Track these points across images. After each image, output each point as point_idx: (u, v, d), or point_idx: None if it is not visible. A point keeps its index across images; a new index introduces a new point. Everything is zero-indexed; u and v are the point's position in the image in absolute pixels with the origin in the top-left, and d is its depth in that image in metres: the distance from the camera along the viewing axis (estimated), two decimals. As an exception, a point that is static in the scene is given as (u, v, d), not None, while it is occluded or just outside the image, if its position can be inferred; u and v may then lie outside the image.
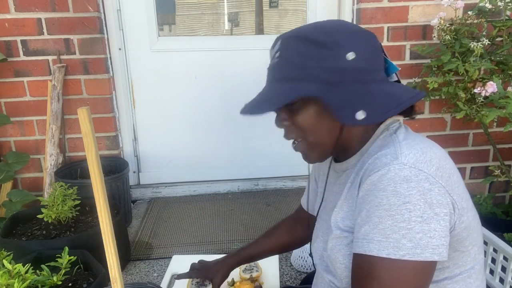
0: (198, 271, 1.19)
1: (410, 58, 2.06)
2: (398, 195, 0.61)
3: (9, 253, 1.24)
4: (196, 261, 1.25)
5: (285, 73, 0.72)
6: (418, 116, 2.14)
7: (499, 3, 1.72)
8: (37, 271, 1.20)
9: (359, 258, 0.66)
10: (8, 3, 1.90)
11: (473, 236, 0.71)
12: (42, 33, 1.96)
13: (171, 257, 1.68)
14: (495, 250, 1.46)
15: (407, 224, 0.60)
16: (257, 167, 2.44)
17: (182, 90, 2.29)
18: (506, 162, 2.09)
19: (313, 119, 0.73)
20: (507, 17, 1.80)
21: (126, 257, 1.72)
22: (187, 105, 2.31)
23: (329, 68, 0.69)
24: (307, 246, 1.61)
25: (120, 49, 2.16)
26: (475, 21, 1.83)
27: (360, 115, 0.70)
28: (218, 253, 1.74)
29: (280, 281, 1.54)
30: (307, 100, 0.72)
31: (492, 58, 1.77)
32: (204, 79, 2.28)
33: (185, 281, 1.34)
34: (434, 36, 2.00)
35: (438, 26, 1.82)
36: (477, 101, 1.73)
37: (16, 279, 1.06)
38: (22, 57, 1.99)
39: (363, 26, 1.26)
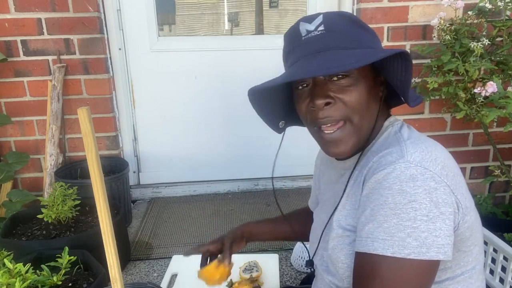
0: (210, 243, 1.15)
1: (410, 58, 2.06)
2: (404, 194, 0.61)
3: (9, 253, 1.24)
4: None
5: (343, 44, 0.70)
6: (418, 116, 2.14)
7: (499, 3, 1.72)
8: (37, 271, 1.20)
9: (362, 257, 0.66)
10: (8, 3, 1.90)
11: (475, 236, 0.71)
12: (42, 33, 1.96)
13: (171, 257, 1.68)
14: (495, 250, 1.46)
15: (413, 223, 0.60)
16: (257, 167, 2.44)
17: (182, 90, 2.29)
18: (506, 162, 2.09)
19: (364, 96, 0.71)
20: (507, 17, 1.80)
21: (126, 257, 1.72)
22: (187, 105, 2.31)
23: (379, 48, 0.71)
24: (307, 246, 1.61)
25: (120, 49, 2.16)
26: (475, 21, 1.83)
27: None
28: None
29: (280, 281, 1.54)
30: (360, 77, 0.71)
31: (492, 58, 1.77)
32: (204, 79, 2.28)
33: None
34: (434, 36, 2.00)
35: (438, 26, 1.82)
36: (477, 101, 1.73)
37: (17, 278, 1.06)
38: (22, 57, 1.99)
39: (363, 26, 1.26)
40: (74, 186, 1.61)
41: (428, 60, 1.92)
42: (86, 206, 1.71)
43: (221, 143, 2.40)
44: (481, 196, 2.07)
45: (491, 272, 1.49)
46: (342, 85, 0.70)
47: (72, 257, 1.26)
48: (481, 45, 1.66)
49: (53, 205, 1.52)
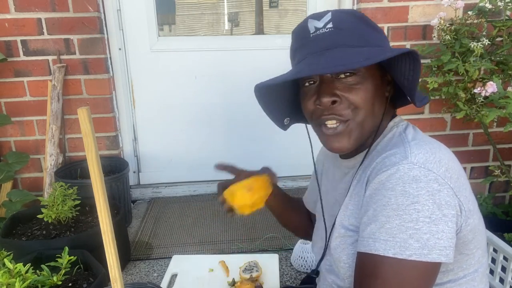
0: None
1: (410, 58, 2.06)
2: (406, 195, 0.61)
3: (9, 253, 1.24)
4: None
5: (351, 42, 0.70)
6: (418, 116, 2.14)
7: (499, 3, 1.72)
8: (37, 271, 1.20)
9: (363, 257, 0.65)
10: (8, 3, 1.90)
11: (478, 239, 0.70)
12: (42, 33, 1.96)
13: (171, 257, 1.68)
14: (495, 250, 1.46)
15: (415, 224, 0.60)
16: (257, 167, 2.42)
17: (182, 90, 2.29)
18: (506, 162, 2.09)
19: (371, 95, 0.71)
20: (507, 17, 1.80)
21: (126, 257, 1.72)
22: (187, 105, 2.31)
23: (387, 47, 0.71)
24: (307, 246, 1.62)
25: (120, 49, 2.16)
26: (475, 21, 1.83)
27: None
28: (218, 253, 1.74)
29: (280, 281, 1.54)
30: (367, 75, 0.71)
31: (492, 58, 1.77)
32: (204, 79, 2.28)
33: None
34: (434, 36, 2.00)
35: (438, 26, 1.82)
36: (477, 101, 1.73)
37: (17, 279, 1.06)
38: (22, 57, 1.99)
39: (363, 26, 1.26)
40: (74, 186, 1.61)
41: (428, 60, 1.92)
42: (86, 206, 1.71)
43: (221, 143, 2.40)
44: (481, 196, 2.07)
45: (491, 272, 1.49)
46: (349, 83, 0.70)
47: (72, 257, 1.26)
48: (481, 45, 1.66)
49: (53, 205, 1.52)
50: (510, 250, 1.38)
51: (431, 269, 0.62)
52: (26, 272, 1.11)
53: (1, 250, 1.27)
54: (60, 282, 1.20)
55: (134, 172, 2.38)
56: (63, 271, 1.22)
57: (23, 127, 2.09)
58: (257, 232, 1.94)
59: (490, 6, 1.79)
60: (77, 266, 1.34)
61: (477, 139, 2.19)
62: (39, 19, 1.94)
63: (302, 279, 1.50)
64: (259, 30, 2.33)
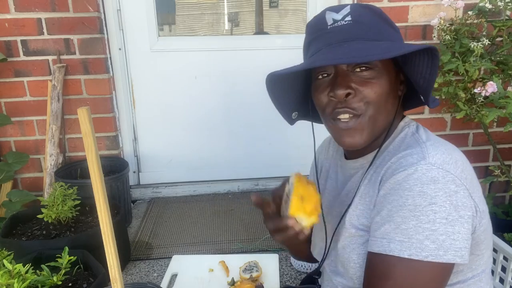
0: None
1: (410, 58, 2.06)
2: (424, 196, 0.61)
3: (9, 253, 1.24)
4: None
5: (370, 36, 0.69)
6: (418, 116, 2.14)
7: (499, 3, 1.72)
8: (37, 271, 1.20)
9: (376, 257, 0.65)
10: (8, 3, 1.90)
11: (488, 240, 0.70)
12: (42, 33, 1.96)
13: (171, 257, 1.68)
14: (495, 250, 1.46)
15: (432, 225, 0.60)
16: (257, 167, 2.44)
17: (182, 90, 2.29)
18: (506, 162, 2.09)
19: (385, 91, 0.70)
20: (507, 17, 1.80)
21: (126, 257, 1.72)
22: (187, 105, 2.31)
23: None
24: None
25: (120, 49, 2.16)
26: (475, 21, 1.83)
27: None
28: (218, 253, 1.74)
29: (280, 281, 1.54)
30: (383, 70, 0.70)
31: (492, 58, 1.77)
32: (204, 79, 2.28)
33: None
34: (434, 36, 2.00)
35: (438, 26, 1.82)
36: (477, 101, 1.73)
37: (16, 279, 1.06)
38: (22, 57, 1.99)
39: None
40: (74, 186, 1.61)
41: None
42: (86, 206, 1.71)
43: (221, 143, 2.40)
44: (481, 196, 2.07)
45: (491, 272, 1.49)
46: (364, 77, 0.69)
47: (72, 257, 1.26)
48: (481, 45, 1.66)
49: (53, 205, 1.52)
50: (510, 250, 1.38)
51: (445, 270, 0.62)
52: (26, 272, 1.11)
53: (1, 250, 1.27)
54: (60, 282, 1.20)
55: (134, 172, 2.38)
56: (63, 271, 1.22)
57: (23, 127, 2.09)
58: (257, 232, 1.94)
59: (490, 6, 1.79)
60: (77, 266, 1.34)
61: (477, 139, 2.18)
62: (39, 19, 1.94)
63: (302, 279, 1.50)
64: (259, 30, 2.33)
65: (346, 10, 0.70)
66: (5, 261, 1.11)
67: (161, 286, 1.39)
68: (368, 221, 0.71)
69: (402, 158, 0.67)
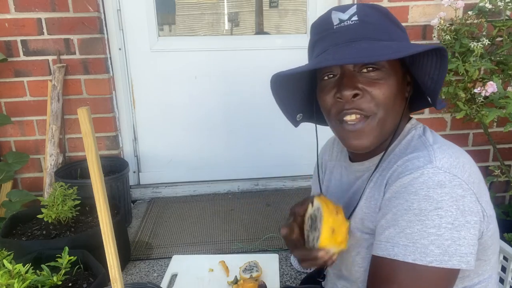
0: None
1: (410, 58, 2.06)
2: (430, 200, 0.60)
3: (9, 253, 1.24)
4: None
5: (377, 36, 0.68)
6: (418, 116, 2.14)
7: (499, 3, 1.72)
8: (37, 271, 1.20)
9: (380, 261, 0.64)
10: (8, 3, 1.90)
11: (495, 245, 0.70)
12: (42, 33, 1.96)
13: (171, 257, 1.68)
14: (495, 250, 1.46)
15: (437, 230, 0.59)
16: (257, 167, 2.44)
17: (182, 90, 2.29)
18: (506, 162, 2.09)
19: (393, 92, 0.69)
20: (507, 17, 1.80)
21: (126, 257, 1.72)
22: (187, 105, 2.31)
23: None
24: (307, 246, 1.61)
25: (120, 49, 2.16)
26: (475, 21, 1.83)
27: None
28: (218, 253, 1.74)
29: (280, 281, 1.54)
30: (390, 71, 0.69)
31: (492, 58, 1.77)
32: (204, 79, 2.28)
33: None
34: (434, 36, 2.00)
35: (438, 26, 1.82)
36: (477, 101, 1.73)
37: (16, 279, 1.06)
38: (22, 57, 1.99)
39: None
40: (74, 186, 1.61)
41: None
42: (86, 206, 1.71)
43: (221, 143, 2.40)
44: (481, 196, 2.06)
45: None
46: (371, 78, 0.68)
47: (72, 257, 1.26)
48: (481, 45, 1.66)
49: (53, 205, 1.52)
50: (510, 250, 1.38)
51: (450, 276, 0.61)
52: (26, 272, 1.11)
53: (1, 250, 1.27)
54: (60, 282, 1.20)
55: (134, 172, 2.38)
56: (63, 271, 1.22)
57: (23, 127, 2.09)
58: (257, 232, 1.94)
59: (490, 6, 1.79)
60: (77, 266, 1.34)
61: (477, 139, 2.18)
62: (39, 19, 1.94)
63: (302, 279, 1.50)
64: (259, 30, 2.33)
65: (353, 10, 0.69)
66: (5, 261, 1.11)
67: (161, 286, 1.39)
68: (373, 224, 0.70)
69: (409, 161, 0.65)
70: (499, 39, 1.81)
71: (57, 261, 1.25)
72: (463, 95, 1.77)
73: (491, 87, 1.55)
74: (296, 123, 0.87)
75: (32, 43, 1.97)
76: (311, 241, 0.71)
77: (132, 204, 2.27)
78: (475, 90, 1.61)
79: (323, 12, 0.74)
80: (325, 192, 0.91)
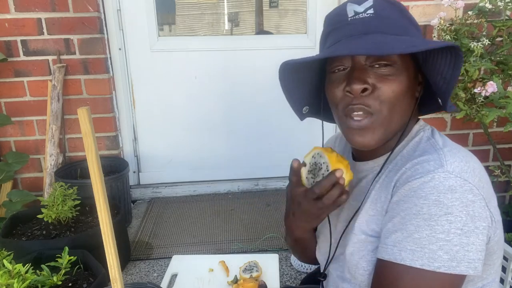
0: None
1: (410, 58, 2.06)
2: (440, 205, 0.59)
3: (9, 253, 1.24)
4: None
5: (392, 30, 0.66)
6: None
7: (499, 3, 1.72)
8: (37, 271, 1.20)
9: (385, 265, 0.63)
10: (8, 3, 1.90)
11: (501, 249, 0.69)
12: (42, 33, 1.96)
13: (171, 257, 1.68)
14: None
15: (446, 236, 0.58)
16: (257, 167, 2.44)
17: (182, 90, 2.29)
18: (506, 162, 2.09)
19: (403, 89, 0.67)
20: (507, 17, 1.80)
21: (126, 257, 1.72)
22: (187, 105, 2.31)
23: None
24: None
25: (120, 49, 2.16)
26: (475, 21, 1.82)
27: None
28: (218, 253, 1.74)
29: (280, 281, 1.54)
30: (402, 68, 0.67)
31: (492, 58, 1.76)
32: (204, 79, 2.28)
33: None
34: (434, 36, 1.99)
35: (438, 26, 1.82)
36: (477, 101, 1.73)
37: (16, 279, 1.06)
38: (22, 57, 1.99)
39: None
40: (74, 186, 1.61)
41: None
42: (86, 206, 1.71)
43: (221, 143, 2.40)
44: (481, 196, 2.06)
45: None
46: (383, 73, 0.66)
47: (72, 257, 1.26)
48: (481, 45, 1.66)
49: (53, 205, 1.52)
50: (510, 250, 1.38)
51: (457, 282, 0.60)
52: (26, 272, 1.11)
53: (1, 250, 1.27)
54: (60, 282, 1.20)
55: (134, 172, 2.38)
56: (63, 271, 1.22)
57: (23, 127, 2.09)
58: (257, 232, 1.94)
59: (490, 6, 1.79)
60: (77, 266, 1.34)
61: (477, 139, 2.18)
62: (39, 19, 1.94)
63: (302, 279, 1.50)
64: (259, 30, 2.33)
65: (369, 3, 0.68)
66: (5, 261, 1.11)
67: (161, 286, 1.39)
68: (378, 227, 0.69)
69: (418, 164, 0.64)
70: (499, 39, 1.81)
71: (57, 261, 1.25)
72: (463, 95, 1.77)
73: (491, 87, 1.55)
74: (302, 116, 0.85)
75: (32, 43, 1.97)
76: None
77: (132, 204, 2.27)
78: (475, 90, 1.61)
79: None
80: None
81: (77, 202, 1.57)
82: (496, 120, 2.05)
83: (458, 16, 1.81)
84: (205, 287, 1.47)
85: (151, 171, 2.41)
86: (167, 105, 2.31)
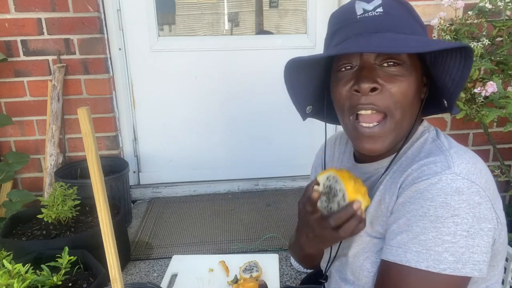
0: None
1: (410, 58, 2.06)
2: (447, 207, 0.58)
3: (9, 253, 1.24)
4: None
5: (401, 30, 0.66)
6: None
7: (499, 3, 1.72)
8: (37, 271, 1.20)
9: (390, 267, 0.63)
10: (8, 3, 1.90)
11: (504, 251, 0.69)
12: (42, 33, 1.96)
13: (171, 257, 1.68)
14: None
15: (452, 238, 0.58)
16: (257, 167, 2.44)
17: (182, 90, 2.29)
18: (506, 162, 2.09)
19: (412, 90, 0.66)
20: (507, 17, 1.80)
21: (126, 257, 1.72)
22: (187, 105, 2.31)
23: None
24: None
25: (120, 49, 2.16)
26: (475, 21, 1.82)
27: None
28: (218, 253, 1.74)
29: (280, 281, 1.54)
30: (411, 68, 0.66)
31: (492, 58, 1.76)
32: (204, 79, 2.28)
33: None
34: (434, 36, 1.99)
35: (438, 26, 1.82)
36: (477, 101, 1.73)
37: (16, 279, 1.06)
38: (22, 57, 1.99)
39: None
40: (74, 186, 1.61)
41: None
42: (86, 206, 1.71)
43: (221, 143, 2.40)
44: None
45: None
46: (392, 73, 0.65)
47: (72, 257, 1.26)
48: (481, 45, 1.66)
49: (53, 205, 1.52)
50: (510, 250, 1.38)
51: (462, 284, 0.60)
52: (26, 272, 1.11)
53: (1, 250, 1.27)
54: (60, 282, 1.20)
55: (134, 172, 2.38)
56: (63, 271, 1.22)
57: (23, 127, 2.09)
58: (257, 232, 1.94)
59: (490, 6, 1.79)
60: (77, 266, 1.34)
61: (477, 139, 2.18)
62: (39, 19, 1.94)
63: (302, 279, 1.50)
64: (259, 30, 2.33)
65: (378, 1, 0.67)
66: (5, 261, 1.11)
67: (161, 286, 1.39)
68: (383, 228, 0.69)
69: (425, 166, 0.64)
70: (499, 39, 1.81)
71: (57, 261, 1.25)
72: (463, 95, 1.77)
73: (491, 87, 1.55)
74: (304, 116, 0.83)
75: (32, 43, 1.97)
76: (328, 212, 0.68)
77: (132, 204, 2.27)
78: (475, 90, 1.61)
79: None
80: None
81: (77, 202, 1.57)
82: (496, 120, 2.05)
83: (458, 16, 1.81)
84: (205, 287, 1.47)
85: (151, 171, 2.41)
86: (167, 105, 2.31)
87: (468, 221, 0.58)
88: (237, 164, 2.43)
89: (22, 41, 1.97)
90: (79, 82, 2.06)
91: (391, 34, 0.64)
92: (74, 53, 2.01)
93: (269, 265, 1.57)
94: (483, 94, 1.57)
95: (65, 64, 2.01)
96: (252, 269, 1.51)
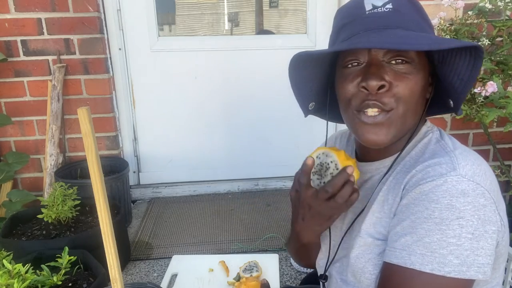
0: None
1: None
2: (452, 209, 0.58)
3: (9, 253, 1.24)
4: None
5: (411, 27, 0.65)
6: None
7: (499, 3, 1.72)
8: (37, 271, 1.20)
9: (393, 269, 0.62)
10: (8, 3, 1.90)
11: (506, 253, 0.69)
12: (42, 33, 1.96)
13: (171, 257, 1.68)
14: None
15: (457, 240, 0.57)
16: (257, 167, 2.44)
17: (182, 90, 2.29)
18: (506, 162, 2.09)
19: (418, 89, 0.65)
20: (507, 17, 1.80)
21: (126, 257, 1.72)
22: (187, 105, 2.32)
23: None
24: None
25: (120, 49, 2.16)
26: (475, 21, 1.82)
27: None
28: (218, 253, 1.74)
29: (280, 281, 1.54)
30: (419, 66, 0.66)
31: (492, 58, 1.76)
32: (204, 79, 2.28)
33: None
34: (434, 36, 1.99)
35: (438, 26, 1.82)
36: (477, 101, 1.73)
37: (16, 279, 1.06)
38: (22, 57, 1.99)
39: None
40: (74, 186, 1.61)
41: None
42: (86, 206, 1.71)
43: (221, 143, 2.40)
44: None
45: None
46: (400, 70, 0.64)
47: (72, 257, 1.26)
48: (481, 45, 1.66)
49: (53, 205, 1.52)
50: (510, 250, 1.38)
51: (465, 286, 0.59)
52: (26, 272, 1.11)
53: (1, 250, 1.27)
54: (60, 282, 1.20)
55: (134, 172, 2.38)
56: (63, 271, 1.22)
57: (23, 127, 2.09)
58: (257, 232, 1.94)
59: (490, 6, 1.79)
60: (77, 266, 1.34)
61: (477, 139, 2.18)
62: (39, 19, 1.94)
63: (302, 279, 1.50)
64: (259, 30, 2.33)
65: None
66: (5, 261, 1.11)
67: (161, 286, 1.39)
68: (386, 230, 0.68)
69: (430, 167, 0.63)
70: (499, 39, 1.81)
71: (57, 261, 1.25)
72: (463, 95, 1.77)
73: (491, 87, 1.55)
74: (306, 112, 0.82)
75: (32, 43, 1.97)
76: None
77: (132, 204, 2.27)
78: (475, 90, 1.61)
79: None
80: None
81: (77, 202, 1.57)
82: (496, 120, 2.05)
83: (458, 16, 1.81)
84: (205, 287, 1.47)
85: (151, 171, 2.41)
86: (167, 105, 2.31)
87: (473, 223, 0.58)
88: (237, 164, 2.43)
89: (22, 41, 1.97)
90: (79, 82, 2.06)
91: (401, 31, 0.63)
92: (74, 53, 2.01)
93: (269, 265, 1.57)
94: (483, 94, 1.57)
95: (65, 64, 2.01)
96: (252, 269, 1.51)
